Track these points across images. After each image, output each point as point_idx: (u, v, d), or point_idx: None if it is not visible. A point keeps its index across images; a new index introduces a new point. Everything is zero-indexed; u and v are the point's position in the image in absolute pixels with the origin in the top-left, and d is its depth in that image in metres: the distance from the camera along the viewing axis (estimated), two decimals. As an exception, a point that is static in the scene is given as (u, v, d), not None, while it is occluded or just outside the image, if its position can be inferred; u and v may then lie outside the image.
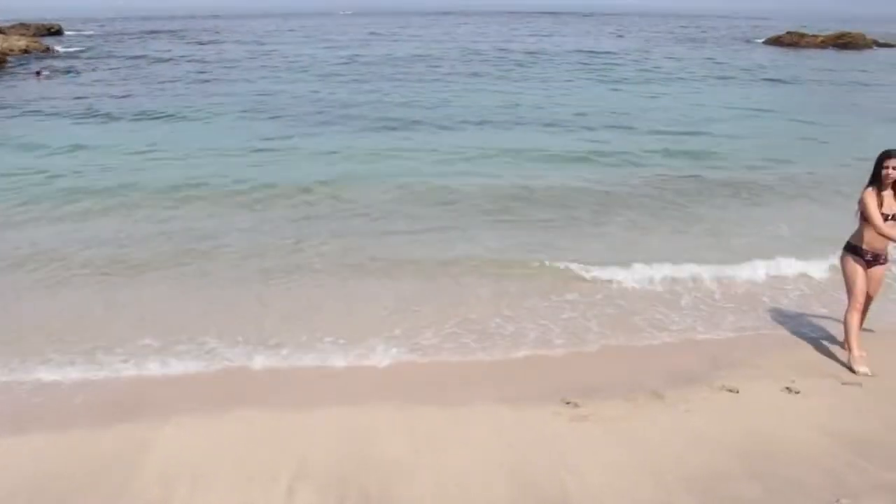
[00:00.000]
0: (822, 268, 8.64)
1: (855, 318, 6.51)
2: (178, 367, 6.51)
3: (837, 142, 17.53)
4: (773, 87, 28.63)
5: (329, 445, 5.27)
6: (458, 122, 19.35)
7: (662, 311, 7.73)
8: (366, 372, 6.49)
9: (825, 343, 7.03)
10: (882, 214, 6.23)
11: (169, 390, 6.13)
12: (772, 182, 13.25)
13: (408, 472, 4.95)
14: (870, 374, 6.34)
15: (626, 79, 30.40)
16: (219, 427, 5.53)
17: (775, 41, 50.23)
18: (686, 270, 8.56)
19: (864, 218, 6.36)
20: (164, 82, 28.08)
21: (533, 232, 10.31)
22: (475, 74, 31.11)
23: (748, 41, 53.84)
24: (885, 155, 6.21)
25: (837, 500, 4.52)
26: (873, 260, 6.51)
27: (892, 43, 51.27)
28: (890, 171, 6.13)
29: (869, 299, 6.68)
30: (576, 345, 6.99)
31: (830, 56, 43.02)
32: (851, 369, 6.44)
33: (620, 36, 61.07)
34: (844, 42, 48.19)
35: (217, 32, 61.58)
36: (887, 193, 6.24)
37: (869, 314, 6.81)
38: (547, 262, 8.79)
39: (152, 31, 62.69)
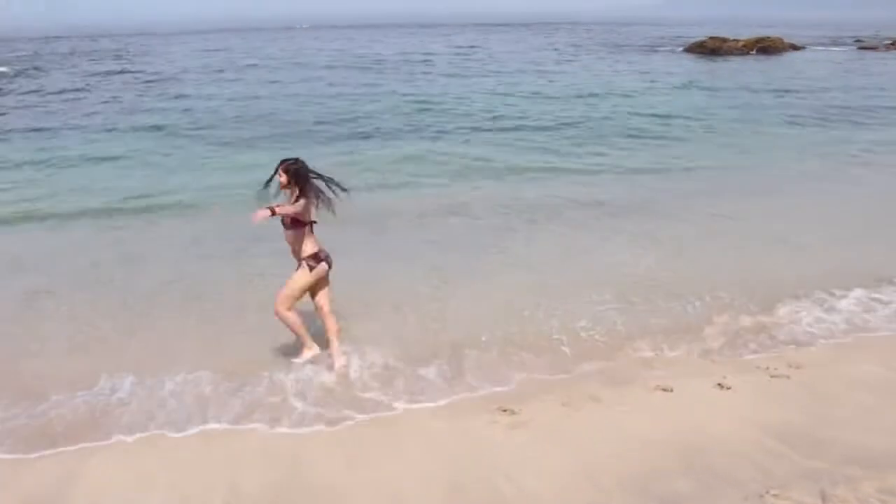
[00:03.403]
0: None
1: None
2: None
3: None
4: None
5: (260, 467, 5.16)
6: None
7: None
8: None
9: (756, 339, 7.21)
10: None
11: (95, 417, 5.89)
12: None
13: (343, 490, 4.88)
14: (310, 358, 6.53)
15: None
16: (147, 454, 5.36)
17: (699, 46, 51.63)
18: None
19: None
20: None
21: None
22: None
23: (671, 49, 55.17)
24: (281, 162, 6.21)
25: (766, 491, 4.64)
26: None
27: (805, 46, 53.92)
28: (281, 177, 6.14)
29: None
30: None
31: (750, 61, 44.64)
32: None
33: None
34: (764, 46, 50.08)
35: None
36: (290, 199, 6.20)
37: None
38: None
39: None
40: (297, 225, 6.23)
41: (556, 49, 54.15)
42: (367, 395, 6.15)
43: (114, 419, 5.81)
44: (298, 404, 5.99)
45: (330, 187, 6.29)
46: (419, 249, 9.85)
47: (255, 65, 41.95)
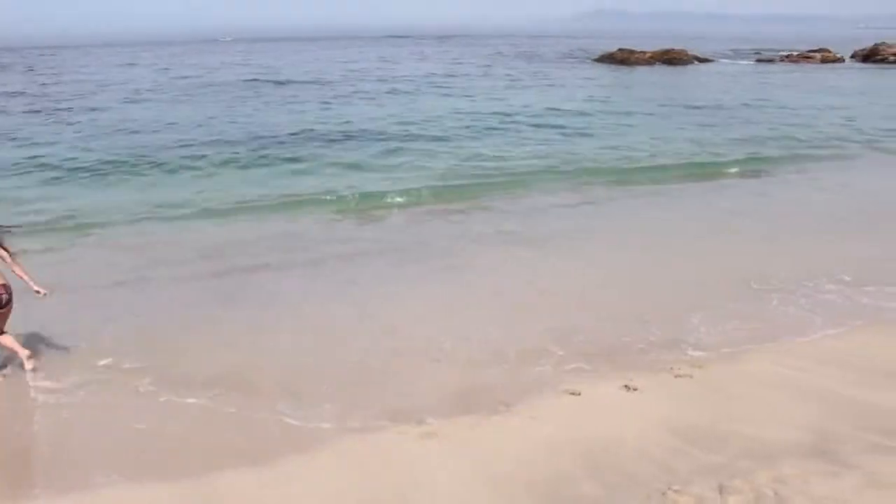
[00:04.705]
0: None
1: None
2: None
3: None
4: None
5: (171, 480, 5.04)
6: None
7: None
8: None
9: (661, 340, 7.42)
10: None
11: None
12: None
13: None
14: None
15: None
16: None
17: (608, 57, 53.24)
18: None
19: None
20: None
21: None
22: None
23: (582, 59, 56.56)
24: None
25: (669, 488, 4.78)
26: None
27: (710, 58, 56.30)
28: None
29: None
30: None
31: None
32: None
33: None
34: (670, 58, 52.04)
35: None
36: None
37: None
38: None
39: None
40: None
41: (472, 63, 54.32)
42: (275, 415, 6.03)
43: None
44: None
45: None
46: (335, 272, 9.75)
47: (164, 84, 40.35)
